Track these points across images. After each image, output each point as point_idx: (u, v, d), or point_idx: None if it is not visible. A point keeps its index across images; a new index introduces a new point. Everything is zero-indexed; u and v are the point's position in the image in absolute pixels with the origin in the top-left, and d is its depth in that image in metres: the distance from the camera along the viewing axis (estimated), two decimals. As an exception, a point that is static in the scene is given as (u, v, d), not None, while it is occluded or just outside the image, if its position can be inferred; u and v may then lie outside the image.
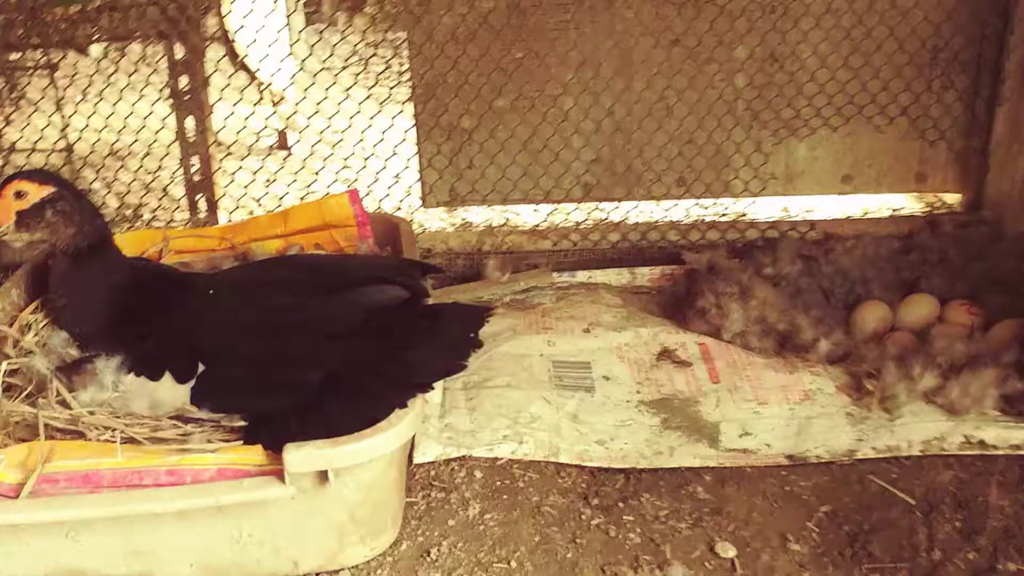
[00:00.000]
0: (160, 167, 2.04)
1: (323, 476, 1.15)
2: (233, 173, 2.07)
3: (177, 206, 2.07)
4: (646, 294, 2.01)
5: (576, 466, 1.47)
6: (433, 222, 2.23)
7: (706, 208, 2.12)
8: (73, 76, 1.91)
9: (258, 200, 2.10)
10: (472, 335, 1.30)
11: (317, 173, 2.06)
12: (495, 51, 1.87)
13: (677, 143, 2.01)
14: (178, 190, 2.08)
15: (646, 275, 2.05)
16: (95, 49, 2.06)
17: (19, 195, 1.41)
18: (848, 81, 1.96)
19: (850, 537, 1.33)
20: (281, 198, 2.07)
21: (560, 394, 1.62)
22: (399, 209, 2.08)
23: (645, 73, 1.95)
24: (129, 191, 2.04)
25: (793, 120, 2.01)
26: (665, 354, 1.75)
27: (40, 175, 1.44)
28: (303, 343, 1.32)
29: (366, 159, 2.01)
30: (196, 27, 1.85)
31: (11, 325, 1.52)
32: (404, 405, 1.19)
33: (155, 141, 1.97)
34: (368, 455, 1.15)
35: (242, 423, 1.32)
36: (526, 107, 1.93)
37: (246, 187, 2.08)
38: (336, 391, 1.26)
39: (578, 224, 2.08)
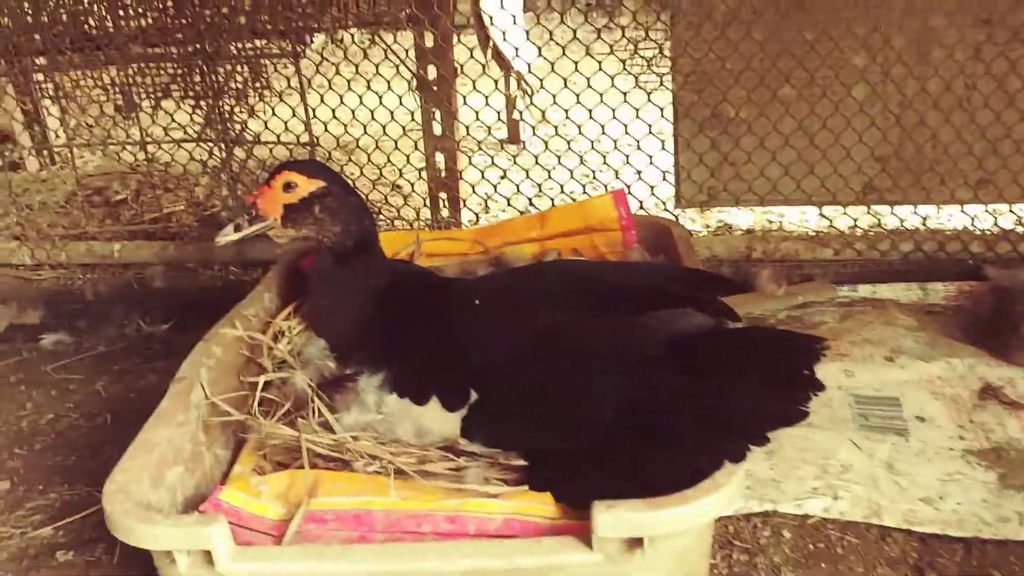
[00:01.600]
0: (406, 163, 1.91)
1: (635, 542, 0.96)
2: (483, 171, 1.91)
3: (422, 204, 1.94)
4: (940, 314, 1.71)
5: (903, 530, 1.22)
6: (686, 225, 2.01)
7: (1020, 216, 1.79)
8: (318, 65, 1.81)
9: (507, 200, 1.94)
10: (806, 371, 1.07)
11: (550, 171, 1.86)
12: (783, 33, 1.61)
13: (989, 139, 1.69)
14: (421, 187, 1.94)
15: (940, 292, 1.76)
16: (342, 37, 1.97)
17: (288, 187, 1.30)
18: None
19: None
20: (531, 199, 1.90)
21: (868, 436, 1.36)
22: (640, 209, 1.86)
23: (954, 57, 1.65)
24: (374, 188, 1.93)
25: None
26: (989, 391, 1.46)
27: (310, 167, 1.33)
28: (594, 372, 1.13)
29: (627, 157, 1.81)
30: (449, 11, 1.70)
31: (264, 332, 1.42)
32: (738, 459, 0.98)
33: (401, 136, 1.84)
34: (692, 520, 0.95)
35: (522, 461, 1.15)
36: (816, 95, 1.66)
37: (495, 186, 1.92)
38: (640, 435, 1.06)
39: (866, 231, 1.80)
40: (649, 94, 1.67)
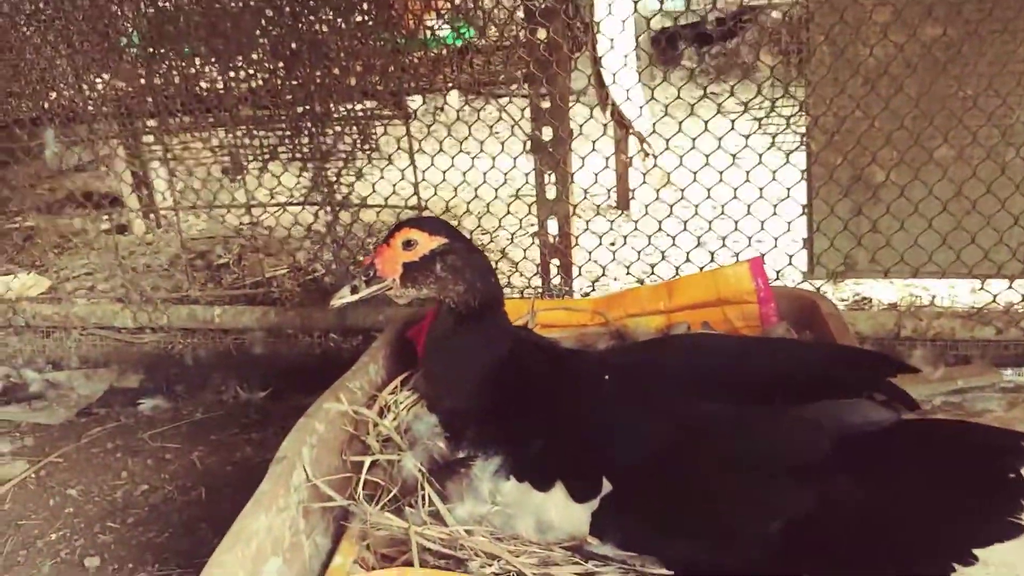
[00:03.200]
0: (519, 227, 1.81)
1: None
2: (600, 236, 1.79)
3: (535, 271, 1.82)
4: (1125, 405, 1.50)
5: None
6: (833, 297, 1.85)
7: None
8: (430, 126, 1.73)
9: (627, 268, 1.81)
10: (1013, 475, 0.89)
11: (674, 237, 1.73)
12: (940, 88, 1.46)
13: None
14: (532, 252, 1.83)
15: (1125, 379, 1.54)
16: (453, 97, 1.91)
17: (408, 245, 1.21)
18: None
19: None
20: (653, 267, 1.77)
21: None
22: (776, 280, 1.71)
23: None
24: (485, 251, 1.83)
25: None
26: None
27: (432, 224, 1.23)
28: (755, 477, 0.97)
29: (762, 223, 1.66)
30: (567, 69, 1.60)
31: (369, 407, 1.31)
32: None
33: (513, 199, 1.74)
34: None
35: (663, 571, 1.00)
36: (979, 156, 1.49)
37: (614, 252, 1.79)
38: (816, 558, 0.90)
39: (1028, 309, 1.61)
40: (788, 155, 1.53)
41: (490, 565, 1.04)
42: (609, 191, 1.96)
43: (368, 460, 1.18)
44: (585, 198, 1.87)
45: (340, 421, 1.26)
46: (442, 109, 1.81)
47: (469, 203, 1.75)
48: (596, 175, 1.76)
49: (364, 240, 1.85)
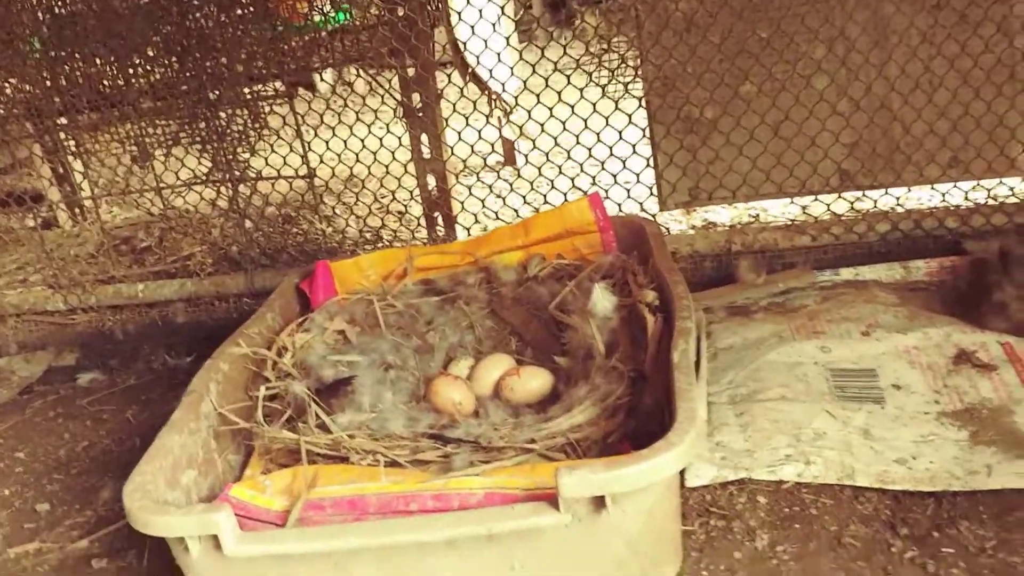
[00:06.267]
0: (398, 187, 2.03)
1: (600, 502, 1.04)
2: (469, 187, 2.02)
3: (417, 225, 2.05)
4: (924, 290, 1.77)
5: (876, 490, 1.28)
6: (671, 224, 2.09)
7: (989, 190, 1.84)
8: (310, 103, 1.94)
9: (495, 213, 2.04)
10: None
11: (552, 182, 1.97)
12: (738, 33, 1.70)
13: (950, 118, 1.76)
14: (416, 209, 2.06)
15: (922, 269, 1.81)
16: (329, 75, 2.11)
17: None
18: None
19: None
20: (517, 210, 2.00)
21: (845, 407, 1.43)
22: (619, 212, 1.95)
23: (907, 42, 1.72)
24: (370, 213, 2.05)
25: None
26: (963, 357, 1.52)
27: None
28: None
29: (603, 163, 1.91)
30: (427, 42, 1.82)
31: (268, 348, 1.53)
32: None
33: (392, 161, 1.96)
34: (648, 478, 1.03)
35: (503, 443, 1.24)
36: (776, 90, 1.75)
37: (483, 201, 2.03)
38: None
39: (840, 216, 1.87)
40: (616, 102, 1.78)
41: (367, 458, 1.28)
42: (493, 146, 2.19)
43: (263, 388, 1.40)
44: (472, 155, 2.09)
45: (243, 361, 1.48)
46: (343, 84, 2.01)
47: (352, 168, 1.96)
48: (479, 132, 1.98)
49: (263, 209, 2.07)
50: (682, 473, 1.32)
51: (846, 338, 1.59)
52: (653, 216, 1.87)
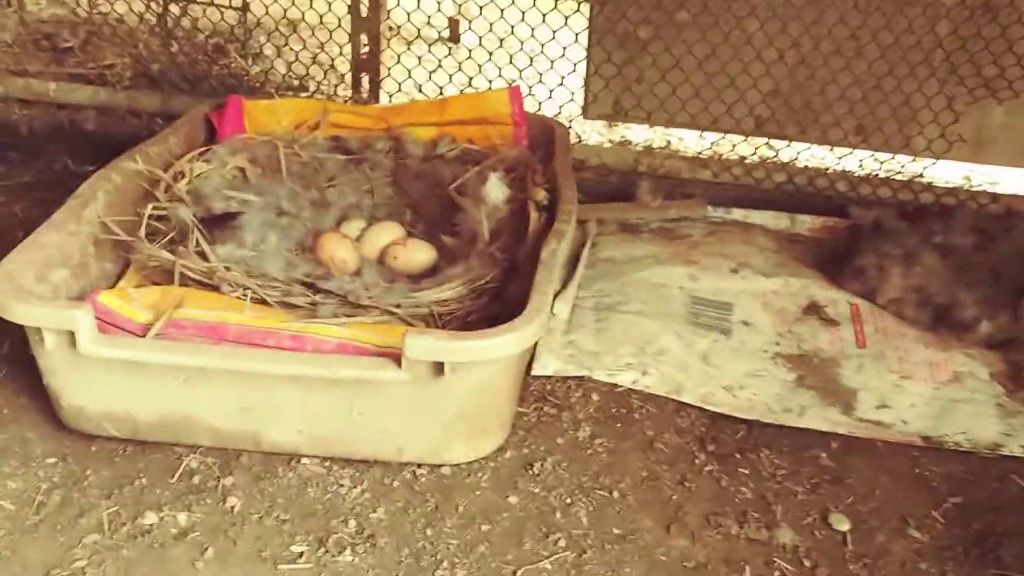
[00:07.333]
0: (330, 39, 2.02)
1: (439, 368, 1.13)
2: (399, 54, 2.03)
3: (341, 82, 2.06)
4: (802, 243, 1.87)
5: (698, 408, 1.40)
6: (591, 135, 2.15)
7: (882, 162, 1.95)
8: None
9: (420, 87, 2.07)
10: None
11: (480, 67, 1.99)
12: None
13: (862, 87, 1.84)
14: (344, 66, 2.06)
15: (807, 223, 1.92)
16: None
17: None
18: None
19: (979, 536, 1.22)
20: (442, 87, 2.03)
21: (694, 331, 1.54)
22: (559, 115, 1.99)
23: (840, 6, 1.78)
24: (297, 60, 2.04)
25: (996, 80, 1.80)
26: (812, 309, 1.64)
27: None
28: None
29: (532, 59, 1.94)
30: None
31: (166, 171, 1.55)
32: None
33: (328, 12, 1.96)
34: (485, 354, 1.12)
35: (370, 303, 1.31)
36: (709, 23, 1.79)
37: (410, 72, 2.04)
38: None
39: (743, 158, 1.95)
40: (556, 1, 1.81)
41: (237, 291, 1.33)
42: (429, 19, 2.19)
43: (151, 207, 1.43)
44: (408, 22, 2.09)
45: (137, 178, 1.50)
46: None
47: (287, 10, 1.95)
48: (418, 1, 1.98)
49: (192, 34, 2.04)
50: (532, 363, 1.42)
51: (715, 271, 1.69)
52: (570, 122, 1.92)
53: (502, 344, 1.11)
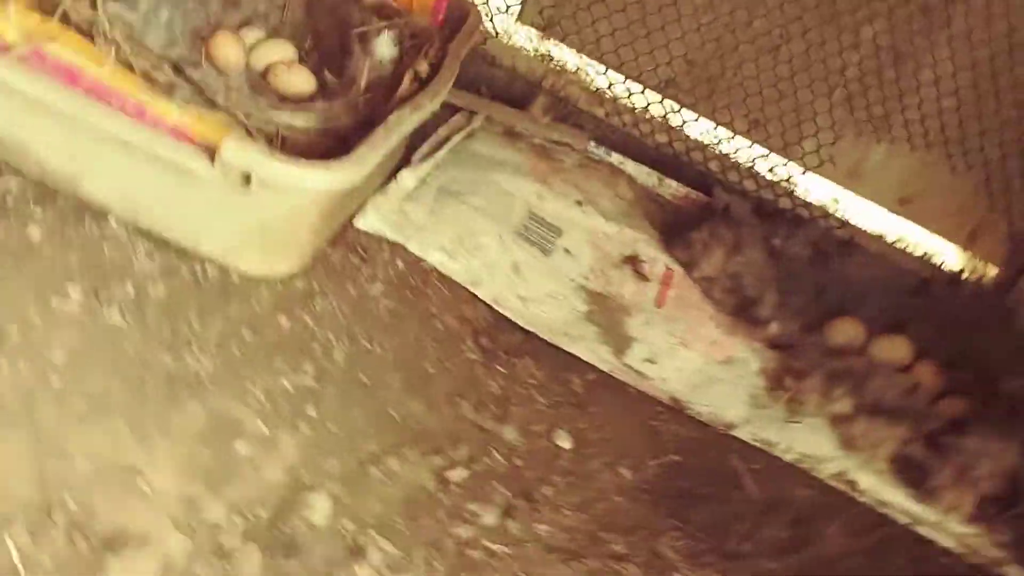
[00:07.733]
0: None
1: (248, 179, 1.21)
2: None
3: None
4: (660, 204, 1.99)
5: (487, 306, 1.52)
6: (521, 39, 2.19)
7: (756, 157, 2.05)
8: None
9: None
10: None
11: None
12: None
13: (767, 80, 1.93)
14: None
15: (671, 188, 2.03)
16: None
17: None
18: (959, 108, 1.85)
19: (679, 493, 1.36)
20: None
21: (516, 241, 1.66)
22: (493, 15, 2.03)
23: (770, 3, 1.86)
24: None
25: (886, 119, 1.92)
26: (632, 260, 1.77)
27: None
28: None
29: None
30: None
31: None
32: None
33: None
34: (289, 180, 1.21)
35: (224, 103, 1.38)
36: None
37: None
38: None
39: (637, 109, 2.03)
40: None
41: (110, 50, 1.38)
42: None
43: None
44: None
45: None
46: None
47: None
48: None
49: None
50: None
51: (563, 198, 1.80)
52: (492, 16, 1.98)
53: (307, 176, 1.20)
